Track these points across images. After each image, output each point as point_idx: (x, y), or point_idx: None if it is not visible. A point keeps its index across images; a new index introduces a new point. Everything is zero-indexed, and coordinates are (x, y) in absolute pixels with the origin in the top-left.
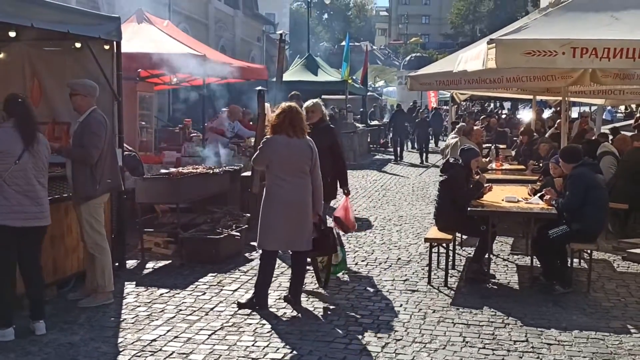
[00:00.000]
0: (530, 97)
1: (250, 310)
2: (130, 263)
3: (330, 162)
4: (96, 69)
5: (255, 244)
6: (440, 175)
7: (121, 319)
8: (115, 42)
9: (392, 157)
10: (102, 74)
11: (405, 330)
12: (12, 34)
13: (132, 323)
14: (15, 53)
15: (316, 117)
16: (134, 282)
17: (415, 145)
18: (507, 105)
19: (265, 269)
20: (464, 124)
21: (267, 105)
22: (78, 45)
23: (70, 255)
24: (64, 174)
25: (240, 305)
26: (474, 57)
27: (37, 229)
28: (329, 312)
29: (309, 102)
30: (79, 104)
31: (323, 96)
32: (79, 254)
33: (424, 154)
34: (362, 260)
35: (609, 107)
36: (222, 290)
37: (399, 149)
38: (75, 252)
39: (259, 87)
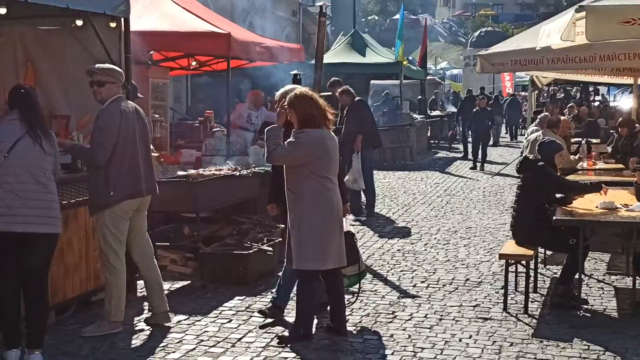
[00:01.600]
0: (630, 80)
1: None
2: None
3: None
4: (101, 51)
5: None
6: (518, 178)
7: (132, 351)
8: (123, 19)
9: (460, 154)
10: (107, 57)
11: None
12: (2, 10)
13: (145, 356)
14: (5, 33)
15: (347, 97)
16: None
17: (469, 147)
18: (602, 90)
19: (311, 294)
20: (547, 114)
21: None
22: (79, 22)
23: (71, 275)
24: (64, 178)
25: (283, 340)
26: (559, 31)
27: (33, 237)
28: (381, 345)
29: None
30: (105, 94)
31: (373, 81)
32: (82, 274)
33: (479, 158)
34: (422, 282)
35: None
36: (251, 317)
37: (469, 145)
38: (77, 272)
39: (295, 71)
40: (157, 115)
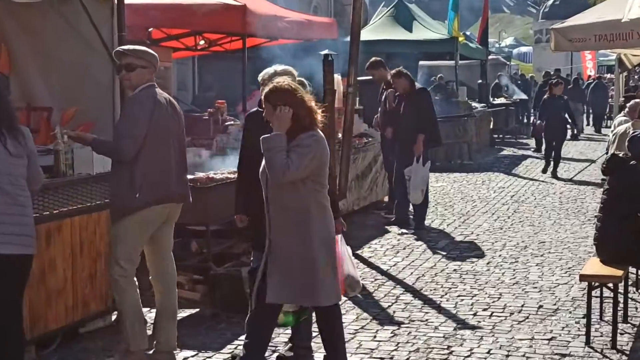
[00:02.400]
0: None
1: None
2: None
3: None
4: (90, 29)
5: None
6: (603, 180)
7: None
8: None
9: (531, 150)
10: (97, 37)
11: None
12: None
13: None
14: None
15: (405, 82)
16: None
17: (541, 142)
18: None
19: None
20: (639, 100)
21: (337, 77)
22: None
23: (54, 302)
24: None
25: None
26: None
27: None
28: None
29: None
30: (136, 80)
31: (421, 62)
32: (67, 301)
33: (553, 158)
34: (484, 309)
35: None
36: (274, 353)
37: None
38: (61, 298)
39: (326, 51)
40: None
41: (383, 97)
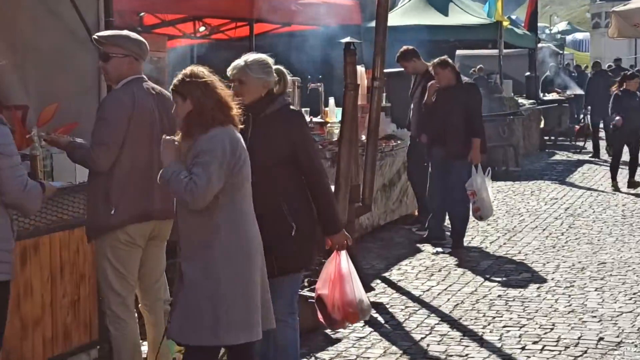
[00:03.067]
0: None
1: None
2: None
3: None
4: (72, 14)
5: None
6: None
7: None
8: None
9: (588, 155)
10: (81, 23)
11: None
12: None
13: None
14: None
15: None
16: None
17: (599, 146)
18: None
19: None
20: None
21: (360, 69)
22: None
23: (30, 333)
24: None
25: None
26: None
27: None
28: None
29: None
30: (114, 72)
31: (459, 52)
32: (46, 331)
33: (629, 164)
34: (534, 342)
35: None
36: None
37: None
38: (38, 328)
39: (347, 39)
40: None
41: (416, 92)
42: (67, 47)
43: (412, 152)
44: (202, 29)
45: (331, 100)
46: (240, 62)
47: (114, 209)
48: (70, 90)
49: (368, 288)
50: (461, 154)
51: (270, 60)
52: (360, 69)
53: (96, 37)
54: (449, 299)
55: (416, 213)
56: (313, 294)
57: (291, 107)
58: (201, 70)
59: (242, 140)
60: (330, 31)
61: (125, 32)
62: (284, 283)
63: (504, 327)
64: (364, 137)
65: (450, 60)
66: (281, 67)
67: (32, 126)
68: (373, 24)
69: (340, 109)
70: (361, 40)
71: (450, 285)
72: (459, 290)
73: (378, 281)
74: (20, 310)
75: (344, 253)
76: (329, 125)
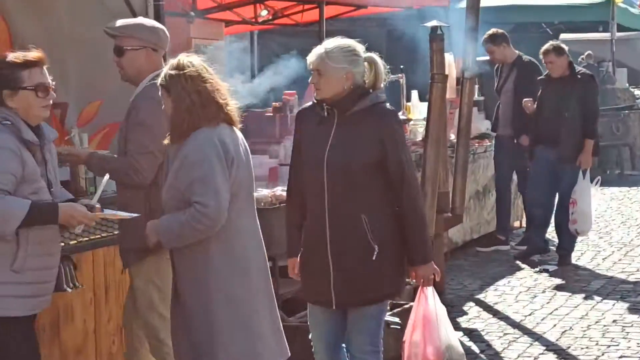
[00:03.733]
0: None
1: None
2: None
3: None
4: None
5: None
6: None
7: None
8: None
9: None
10: (127, 8)
11: None
12: None
13: None
14: None
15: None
16: None
17: None
18: None
19: None
20: None
21: (449, 57)
22: None
23: None
24: None
25: None
26: None
27: None
28: None
29: None
30: (130, 68)
31: (563, 35)
32: None
33: None
34: None
35: None
36: None
37: None
38: (80, 356)
39: (433, 22)
40: None
41: (505, 85)
42: None
43: (498, 155)
44: (264, 13)
45: (414, 94)
46: (320, 48)
47: None
48: (115, 85)
49: (460, 312)
50: (575, 157)
51: (359, 47)
52: (449, 57)
53: (105, 29)
54: (554, 325)
55: (516, 224)
56: (397, 319)
57: (387, 105)
58: (189, 61)
59: (237, 140)
60: (413, 14)
61: (139, 20)
62: (364, 315)
63: (621, 357)
64: (453, 137)
65: (564, 46)
66: (374, 55)
67: (72, 126)
68: (463, 4)
69: (426, 103)
70: (449, 23)
71: (556, 309)
72: (566, 314)
73: (471, 304)
74: (60, 337)
75: (430, 290)
76: (412, 122)
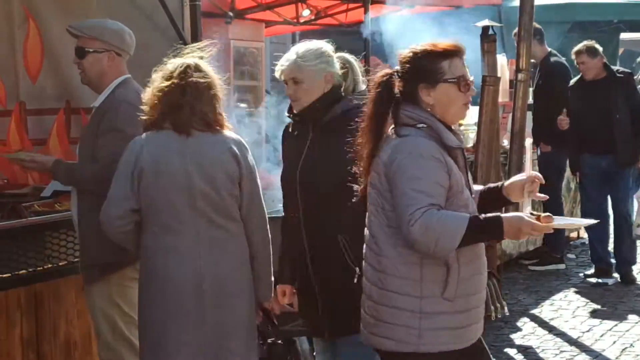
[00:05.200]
0: None
1: None
2: None
3: None
4: None
5: None
6: None
7: None
8: None
9: None
10: (161, 8)
11: None
12: None
13: None
14: None
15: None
16: None
17: None
18: None
19: None
20: None
21: (501, 59)
22: None
23: None
24: None
25: None
26: None
27: None
28: None
29: None
30: (92, 71)
31: (623, 35)
32: None
33: None
34: None
35: None
36: None
37: None
38: None
39: (485, 22)
40: (243, 105)
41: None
42: (145, 36)
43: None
44: (306, 12)
45: None
46: (290, 55)
47: None
48: None
49: (514, 328)
50: (632, 160)
51: (329, 48)
52: (501, 58)
53: (68, 28)
54: (614, 342)
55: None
56: None
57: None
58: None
59: (173, 150)
60: (463, 13)
61: (104, 21)
62: (347, 347)
63: None
64: (506, 142)
65: (598, 46)
66: (347, 55)
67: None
68: (516, 2)
69: (477, 107)
70: (502, 23)
71: (616, 325)
72: (627, 330)
73: (526, 319)
74: None
75: None
76: (462, 127)
